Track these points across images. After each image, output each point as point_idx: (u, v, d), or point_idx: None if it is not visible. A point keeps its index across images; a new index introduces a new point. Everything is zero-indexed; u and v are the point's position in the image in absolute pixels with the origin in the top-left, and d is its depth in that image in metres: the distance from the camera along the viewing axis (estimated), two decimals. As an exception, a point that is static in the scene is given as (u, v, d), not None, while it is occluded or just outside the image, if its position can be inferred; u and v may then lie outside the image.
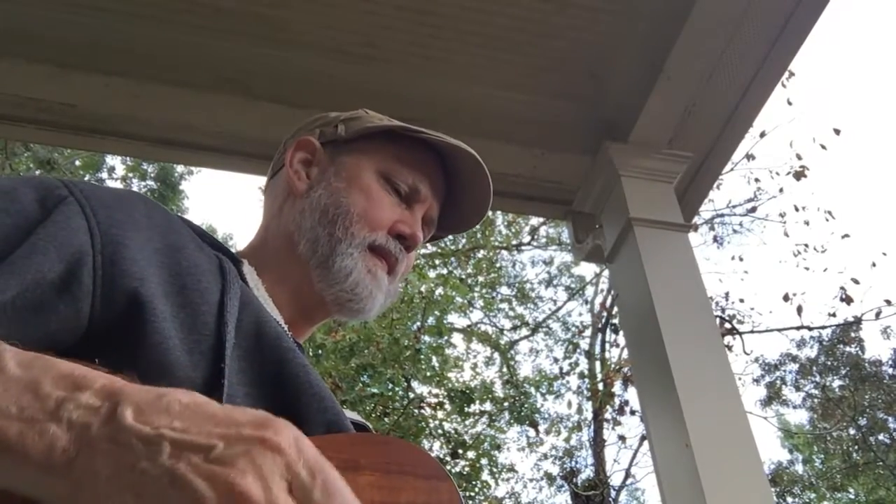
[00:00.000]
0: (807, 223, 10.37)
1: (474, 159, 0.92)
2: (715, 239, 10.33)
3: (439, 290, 9.29)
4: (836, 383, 12.25)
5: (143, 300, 0.59)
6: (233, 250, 0.86)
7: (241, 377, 0.65)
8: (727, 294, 9.78)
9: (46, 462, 0.40)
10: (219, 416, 0.43)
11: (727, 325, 8.76)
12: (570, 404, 10.28)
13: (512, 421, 10.09)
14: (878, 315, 8.90)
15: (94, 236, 0.60)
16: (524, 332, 11.56)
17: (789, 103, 8.47)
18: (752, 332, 9.82)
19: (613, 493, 10.25)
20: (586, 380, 10.09)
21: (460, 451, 9.11)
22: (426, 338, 9.20)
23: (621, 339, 9.18)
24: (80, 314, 0.57)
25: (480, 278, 11.27)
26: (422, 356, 8.79)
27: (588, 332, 10.78)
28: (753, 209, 9.81)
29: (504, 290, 11.88)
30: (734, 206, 10.00)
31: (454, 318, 10.69)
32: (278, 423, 0.43)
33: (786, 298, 8.64)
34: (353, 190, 0.88)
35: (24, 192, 0.61)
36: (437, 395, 9.33)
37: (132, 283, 0.59)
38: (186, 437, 0.41)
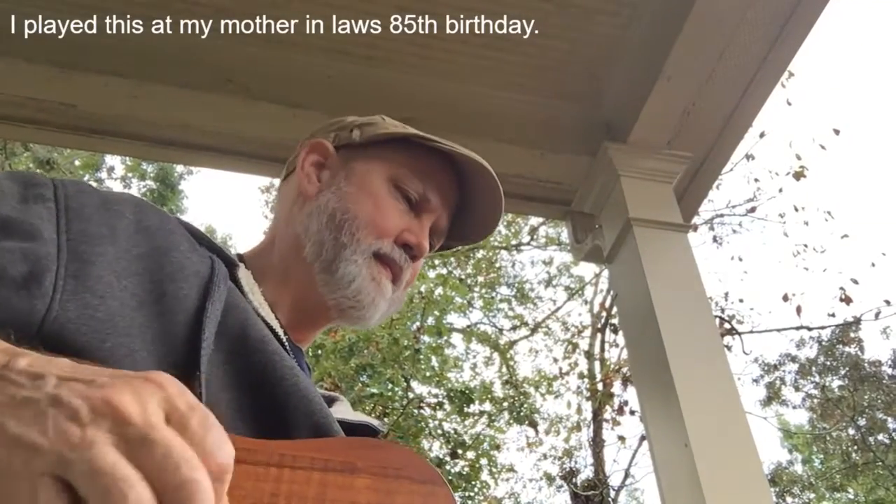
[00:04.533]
0: (806, 223, 10.42)
1: (486, 171, 0.91)
2: (714, 239, 10.33)
3: (439, 290, 9.31)
4: (836, 383, 12.26)
5: (102, 318, 0.59)
6: (233, 252, 0.85)
7: (224, 381, 0.64)
8: (727, 294, 9.81)
9: None
10: (107, 370, 0.44)
11: (726, 326, 8.77)
12: (569, 404, 10.28)
13: (511, 421, 10.09)
14: (877, 315, 8.90)
15: (60, 250, 0.60)
16: (523, 332, 11.56)
17: (789, 103, 8.49)
18: (751, 332, 9.83)
19: (613, 494, 10.25)
20: (586, 380, 10.09)
21: (460, 452, 9.12)
22: (425, 338, 9.20)
23: (621, 340, 9.18)
24: (33, 311, 0.57)
25: (480, 278, 11.28)
26: (421, 356, 8.80)
27: (587, 333, 10.77)
28: (753, 209, 9.80)
29: (503, 291, 11.88)
30: (734, 207, 10.01)
31: (453, 318, 10.71)
32: (163, 373, 0.44)
33: (785, 298, 8.65)
34: (362, 195, 0.88)
35: (7, 185, 0.62)
36: (436, 396, 9.34)
37: (93, 301, 0.59)
38: (72, 374, 0.42)
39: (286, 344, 0.77)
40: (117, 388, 0.40)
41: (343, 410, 0.85)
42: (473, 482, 9.29)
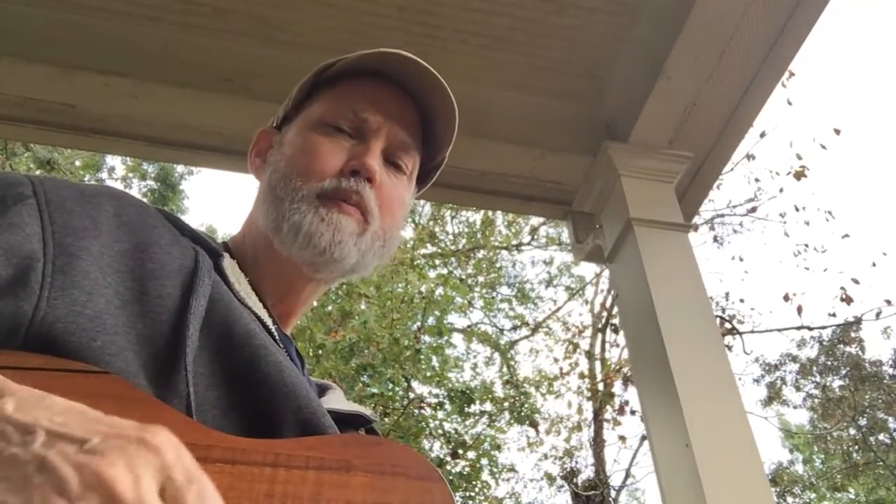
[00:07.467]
0: (807, 223, 10.41)
1: (411, 61, 0.87)
2: (715, 239, 10.33)
3: (439, 290, 9.28)
4: (837, 383, 12.24)
5: (91, 315, 0.58)
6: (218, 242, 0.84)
7: (211, 380, 0.63)
8: (727, 294, 9.81)
9: None
10: (100, 418, 0.43)
11: (727, 325, 8.76)
12: (570, 404, 10.26)
13: (512, 421, 10.08)
14: (878, 315, 8.90)
15: (46, 245, 0.58)
16: (524, 332, 11.55)
17: (789, 103, 8.48)
18: (752, 332, 9.83)
19: (613, 494, 10.25)
20: (586, 380, 10.08)
21: (460, 452, 9.10)
22: (426, 338, 9.19)
23: (621, 339, 9.18)
24: (20, 312, 0.55)
25: (480, 278, 11.28)
26: (422, 356, 8.79)
27: (588, 333, 10.77)
28: (753, 209, 9.80)
29: (504, 291, 11.89)
30: (734, 206, 10.01)
31: (454, 318, 10.70)
32: (160, 428, 0.43)
33: (786, 298, 8.65)
34: (293, 152, 0.87)
35: None
36: (437, 396, 9.33)
37: (81, 297, 0.58)
38: (63, 430, 0.40)
39: (275, 334, 0.75)
40: (110, 458, 0.39)
41: (335, 400, 0.83)
42: (474, 482, 9.27)
